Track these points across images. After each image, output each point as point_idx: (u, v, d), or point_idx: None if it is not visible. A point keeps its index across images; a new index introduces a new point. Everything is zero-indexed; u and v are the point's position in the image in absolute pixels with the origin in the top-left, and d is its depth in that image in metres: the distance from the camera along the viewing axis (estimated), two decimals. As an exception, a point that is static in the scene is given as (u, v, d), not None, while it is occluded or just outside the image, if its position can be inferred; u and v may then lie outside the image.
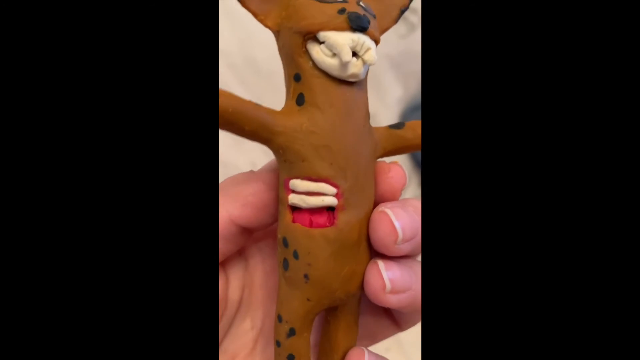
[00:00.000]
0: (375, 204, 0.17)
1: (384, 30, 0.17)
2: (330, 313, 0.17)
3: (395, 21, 0.17)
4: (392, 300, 0.16)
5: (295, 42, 0.15)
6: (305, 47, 0.15)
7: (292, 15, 0.15)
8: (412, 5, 0.58)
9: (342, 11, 0.14)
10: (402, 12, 0.17)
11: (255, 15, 0.16)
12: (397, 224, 0.16)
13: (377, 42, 0.16)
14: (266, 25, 0.16)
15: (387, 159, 0.17)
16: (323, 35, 0.14)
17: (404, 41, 0.53)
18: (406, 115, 0.57)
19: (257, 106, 0.15)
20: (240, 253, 0.19)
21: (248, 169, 0.18)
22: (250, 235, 0.18)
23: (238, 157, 0.47)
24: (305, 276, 0.15)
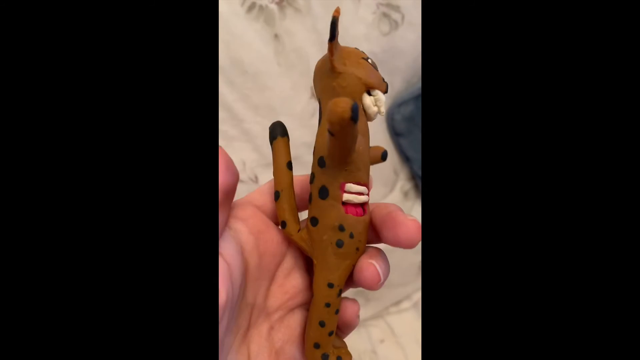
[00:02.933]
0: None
1: None
2: None
3: None
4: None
5: (359, 88, 0.21)
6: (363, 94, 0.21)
7: (359, 68, 0.21)
8: (394, 2, 0.58)
9: (383, 80, 0.22)
10: None
11: (333, 63, 0.21)
12: (380, 271, 0.22)
13: None
14: (336, 69, 0.21)
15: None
16: (375, 92, 0.21)
17: (388, 38, 0.53)
18: (392, 111, 0.57)
19: None
20: (237, 242, 0.22)
21: (238, 167, 0.21)
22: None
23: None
24: (357, 249, 0.22)
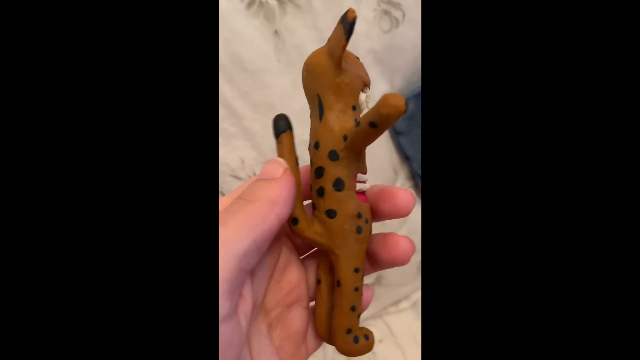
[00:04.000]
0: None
1: None
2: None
3: None
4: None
5: (359, 85, 0.23)
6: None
7: (358, 67, 0.23)
8: (395, -1, 0.56)
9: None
10: None
11: (339, 60, 0.21)
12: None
13: None
14: (340, 67, 0.22)
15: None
16: (366, 89, 0.23)
17: (388, 36, 0.53)
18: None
19: None
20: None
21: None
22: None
23: (227, 154, 0.47)
24: (370, 232, 0.24)
